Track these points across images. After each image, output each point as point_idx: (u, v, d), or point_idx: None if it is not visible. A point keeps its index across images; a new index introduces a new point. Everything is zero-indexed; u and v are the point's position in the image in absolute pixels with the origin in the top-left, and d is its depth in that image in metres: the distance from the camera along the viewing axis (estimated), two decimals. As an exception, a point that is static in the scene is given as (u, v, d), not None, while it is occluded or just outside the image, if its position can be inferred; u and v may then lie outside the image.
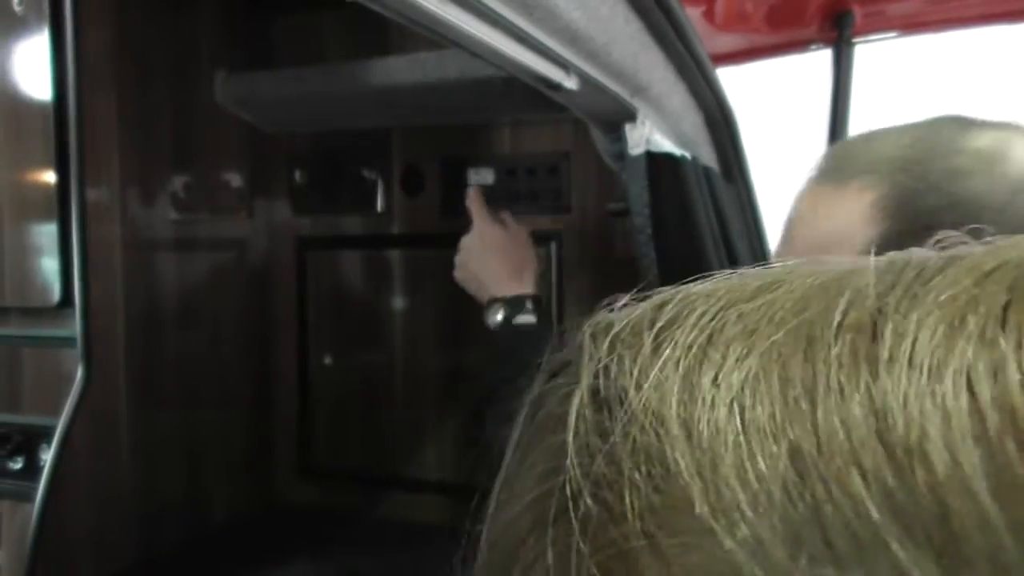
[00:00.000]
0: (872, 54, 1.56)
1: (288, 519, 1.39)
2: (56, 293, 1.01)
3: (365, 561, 1.21)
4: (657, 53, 0.88)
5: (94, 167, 1.05)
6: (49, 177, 1.00)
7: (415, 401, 1.36)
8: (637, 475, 0.16)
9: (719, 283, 0.19)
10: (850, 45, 1.52)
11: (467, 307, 1.32)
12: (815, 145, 1.52)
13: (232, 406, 1.34)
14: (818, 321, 0.16)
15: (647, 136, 0.97)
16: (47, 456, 0.99)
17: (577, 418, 0.18)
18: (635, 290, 0.21)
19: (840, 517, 0.14)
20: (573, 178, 1.24)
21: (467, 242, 1.14)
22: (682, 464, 0.15)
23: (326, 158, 1.37)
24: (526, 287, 1.10)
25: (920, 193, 0.54)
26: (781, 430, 0.15)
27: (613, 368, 0.18)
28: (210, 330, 1.29)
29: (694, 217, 1.02)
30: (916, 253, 0.18)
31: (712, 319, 0.17)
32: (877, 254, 0.53)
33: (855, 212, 0.57)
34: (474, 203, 1.16)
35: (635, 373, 0.17)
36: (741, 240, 1.18)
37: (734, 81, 1.29)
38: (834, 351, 0.15)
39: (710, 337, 0.17)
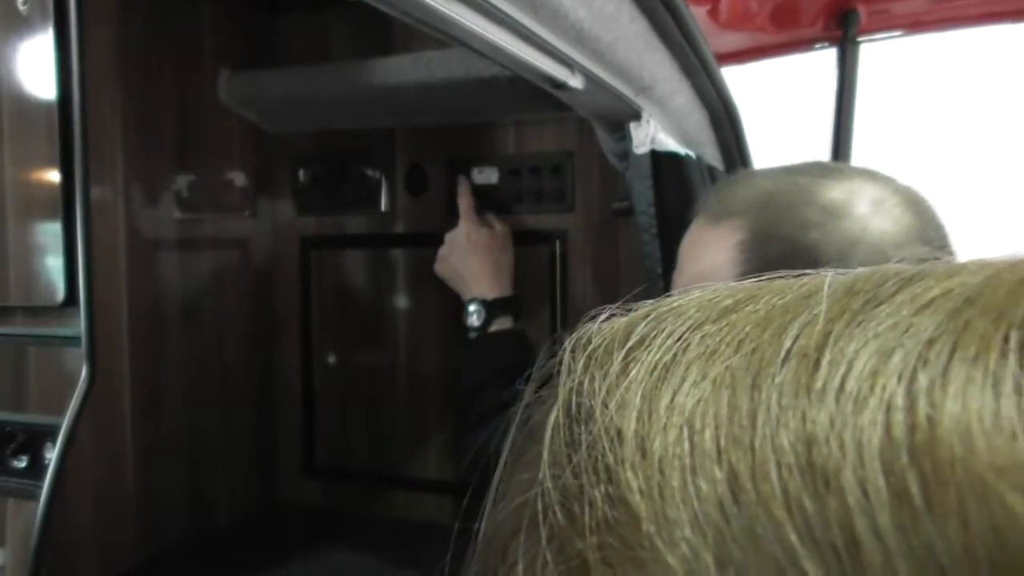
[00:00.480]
0: (877, 53, 1.56)
1: (292, 518, 1.39)
2: (60, 292, 1.00)
3: (369, 561, 1.21)
4: (662, 52, 0.87)
5: (98, 166, 1.05)
6: (53, 176, 1.00)
7: (419, 401, 1.35)
8: (596, 491, 0.17)
9: (692, 300, 0.20)
10: (855, 44, 1.52)
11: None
12: (820, 144, 1.52)
13: (236, 405, 1.34)
14: (769, 347, 0.17)
15: (651, 135, 0.97)
16: (51, 455, 0.99)
17: (552, 432, 0.18)
18: (621, 302, 0.21)
19: (766, 541, 0.14)
20: (577, 177, 1.24)
21: (452, 237, 1.18)
22: (633, 482, 0.16)
23: (330, 157, 1.37)
24: (504, 289, 1.15)
25: (772, 239, 0.59)
26: (723, 454, 0.15)
27: (586, 385, 0.19)
28: (214, 330, 1.29)
29: (698, 216, 1.02)
30: (882, 271, 0.18)
31: (678, 340, 0.18)
32: None
33: (722, 252, 0.62)
34: (463, 199, 1.20)
35: (603, 391, 0.18)
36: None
37: (739, 80, 1.28)
38: (778, 378, 0.16)
39: (673, 358, 0.18)
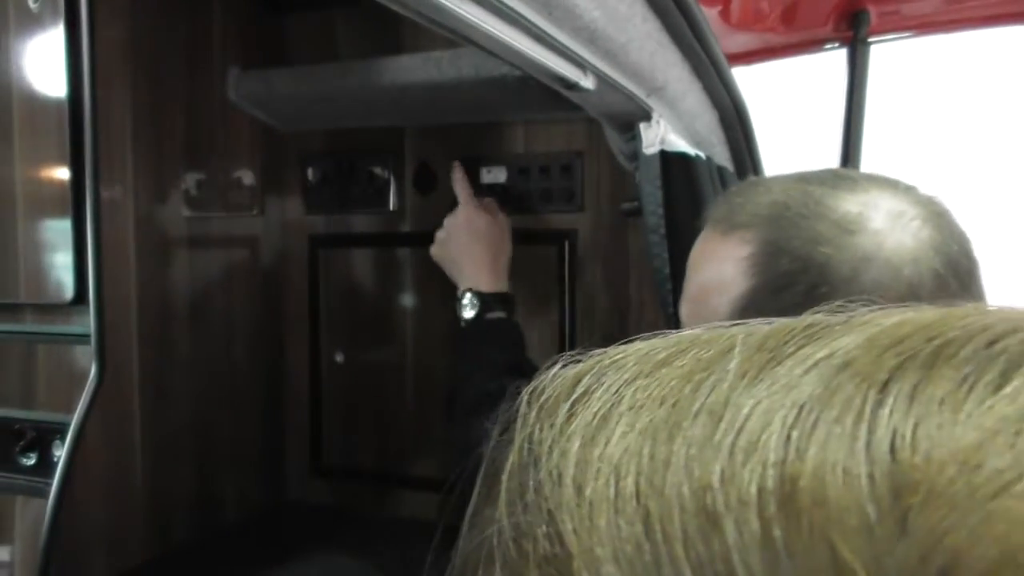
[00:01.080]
0: (887, 54, 1.55)
1: (299, 517, 1.39)
2: (70, 290, 1.01)
3: (377, 560, 1.21)
4: (674, 52, 0.87)
5: (108, 164, 1.06)
6: (63, 174, 1.00)
7: (427, 400, 1.35)
8: (540, 529, 0.19)
9: (632, 353, 0.22)
10: (865, 45, 1.52)
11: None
12: (830, 146, 1.52)
13: (244, 404, 1.34)
14: (686, 401, 0.19)
15: (662, 135, 0.96)
16: (60, 452, 0.99)
17: (509, 475, 0.21)
18: (576, 352, 0.23)
19: (668, 573, 0.16)
20: (586, 177, 1.24)
21: (451, 223, 1.15)
22: (569, 523, 0.18)
23: (339, 156, 1.37)
24: (501, 280, 1.12)
25: (781, 253, 0.57)
26: (641, 498, 0.17)
27: (536, 433, 0.21)
28: (222, 328, 1.29)
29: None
30: (791, 326, 0.21)
31: (614, 393, 0.20)
32: (746, 307, 0.54)
33: (730, 265, 0.60)
34: (459, 184, 1.17)
35: (550, 440, 0.20)
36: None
37: (749, 81, 1.28)
38: (690, 432, 0.18)
39: (609, 410, 0.20)
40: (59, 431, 1.00)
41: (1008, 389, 0.16)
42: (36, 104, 1.03)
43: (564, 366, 0.23)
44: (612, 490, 0.18)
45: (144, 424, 1.13)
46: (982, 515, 0.14)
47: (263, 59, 1.30)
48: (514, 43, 0.62)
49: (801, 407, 0.17)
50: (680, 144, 0.99)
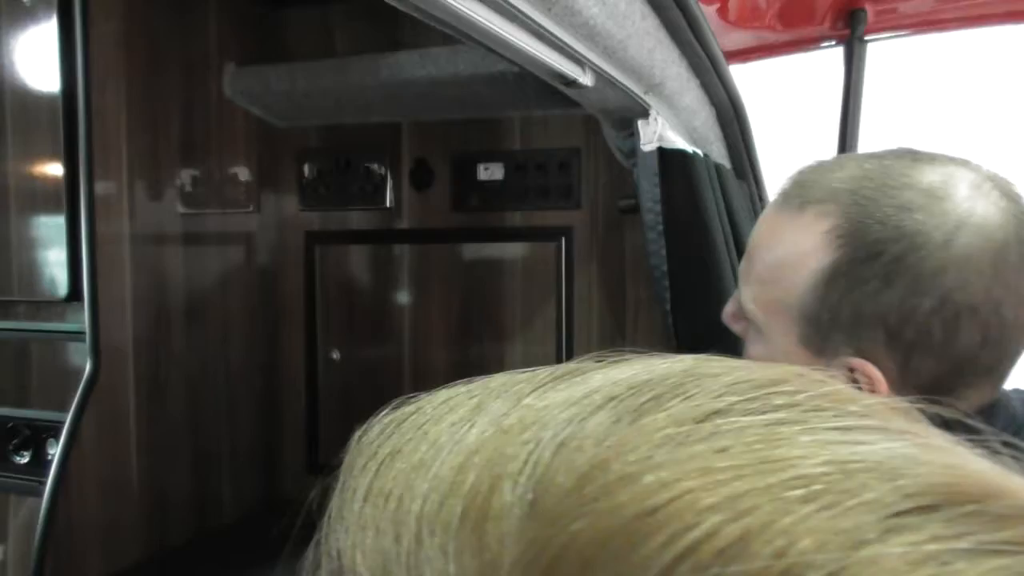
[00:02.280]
0: (884, 52, 1.55)
1: (296, 515, 1.38)
2: (64, 287, 1.00)
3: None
4: (672, 50, 0.87)
5: (102, 161, 1.05)
6: (57, 170, 1.00)
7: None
8: (333, 547, 0.23)
9: (433, 401, 0.26)
10: (862, 43, 1.51)
11: (476, 302, 1.32)
12: (826, 143, 1.52)
13: (240, 401, 1.33)
14: (442, 442, 0.22)
15: (659, 132, 0.96)
16: (54, 451, 0.99)
17: (334, 499, 0.24)
18: (408, 396, 0.27)
19: None
20: (583, 174, 1.24)
21: None
22: (347, 541, 0.22)
23: (335, 152, 1.36)
24: None
25: (870, 225, 0.57)
26: (398, 522, 0.21)
27: (351, 464, 0.25)
28: (218, 325, 1.28)
29: (704, 213, 1.02)
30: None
31: (407, 435, 0.24)
32: (829, 280, 0.55)
33: (810, 239, 0.60)
34: None
35: (353, 471, 0.24)
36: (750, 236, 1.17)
37: (746, 78, 1.28)
38: (435, 471, 0.21)
39: (399, 448, 0.24)
40: (53, 429, 1.00)
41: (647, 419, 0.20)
42: (29, 100, 1.02)
43: (393, 409, 0.27)
44: (380, 513, 0.21)
45: (139, 422, 1.12)
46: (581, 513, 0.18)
47: (259, 55, 1.29)
48: (513, 39, 0.61)
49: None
50: (678, 141, 0.99)
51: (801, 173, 0.66)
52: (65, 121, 0.97)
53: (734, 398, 0.20)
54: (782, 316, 0.62)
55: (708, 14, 1.00)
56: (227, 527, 1.29)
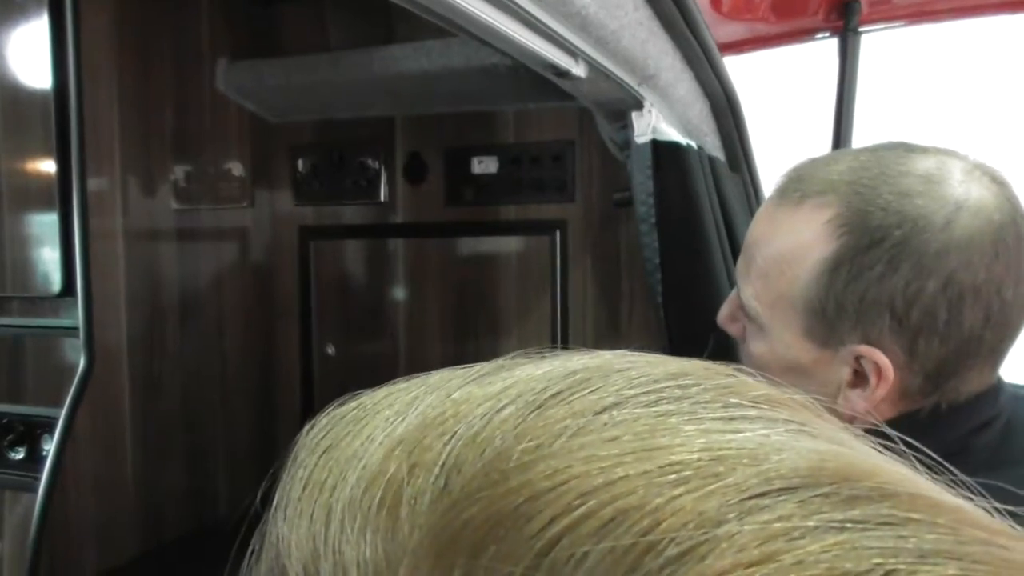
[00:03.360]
0: (878, 43, 1.55)
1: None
2: (57, 282, 1.00)
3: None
4: (665, 41, 0.87)
5: (95, 156, 1.05)
6: (50, 166, 0.99)
7: (418, 391, 1.35)
8: (273, 536, 0.24)
9: (375, 397, 0.27)
10: (856, 34, 1.51)
11: (470, 296, 1.32)
12: (821, 135, 1.52)
13: (235, 396, 1.33)
14: (374, 436, 0.24)
15: (653, 124, 0.96)
16: (49, 447, 0.98)
17: (279, 490, 0.26)
18: (356, 392, 0.28)
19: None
20: (578, 167, 1.24)
21: None
22: (286, 530, 0.23)
23: (329, 147, 1.36)
24: None
25: (872, 212, 0.59)
26: (328, 512, 0.22)
27: (297, 456, 0.26)
28: (212, 320, 1.28)
29: (698, 206, 1.02)
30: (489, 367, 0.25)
31: (346, 430, 0.26)
32: (833, 269, 0.58)
33: (811, 229, 0.61)
34: None
35: (299, 464, 0.26)
36: (744, 229, 1.17)
37: (740, 70, 1.28)
38: (364, 461, 0.23)
39: (336, 442, 0.25)
40: (47, 425, 0.99)
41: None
42: (21, 95, 1.02)
43: (339, 405, 0.28)
44: (313, 501, 0.23)
45: (134, 418, 1.12)
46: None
47: (252, 49, 1.29)
48: (505, 30, 0.61)
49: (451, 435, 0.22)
50: (671, 133, 0.99)
51: (796, 169, 0.67)
52: (57, 117, 0.97)
53: (632, 391, 0.21)
54: (786, 310, 0.63)
55: (702, 5, 1.00)
56: (223, 523, 1.29)
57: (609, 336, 1.25)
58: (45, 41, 0.97)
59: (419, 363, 1.35)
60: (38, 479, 0.97)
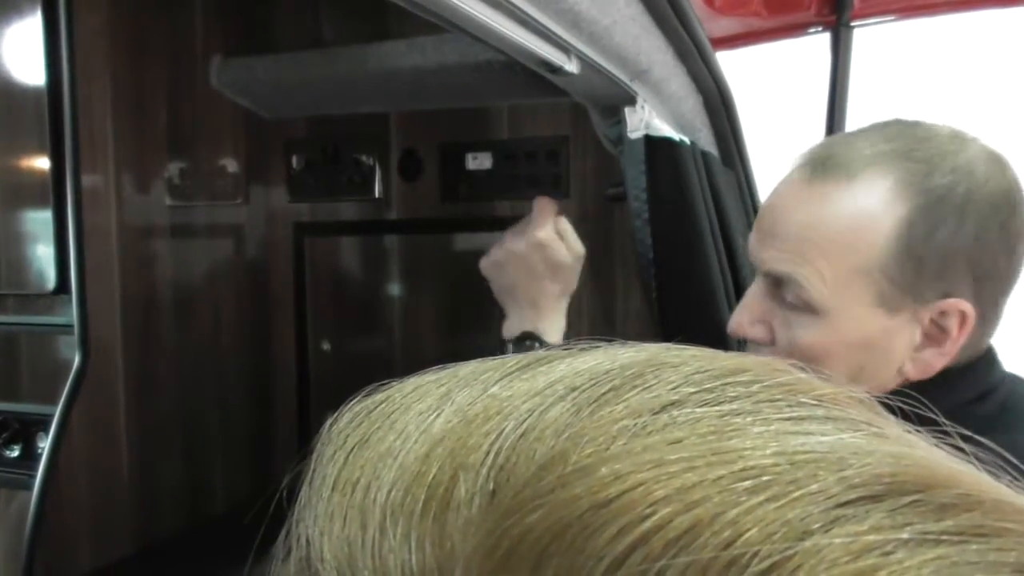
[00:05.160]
0: (870, 38, 1.56)
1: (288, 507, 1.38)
2: (52, 279, 1.00)
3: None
4: (658, 36, 0.87)
5: (89, 153, 1.04)
6: (43, 163, 0.99)
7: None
8: (302, 535, 0.23)
9: (403, 388, 0.26)
10: (848, 29, 1.52)
11: (466, 292, 1.32)
12: (814, 129, 1.52)
13: (231, 393, 1.33)
14: (409, 431, 0.23)
15: (646, 120, 0.96)
16: (44, 444, 0.98)
17: (306, 487, 0.25)
18: (380, 383, 0.27)
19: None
20: (572, 163, 1.24)
21: (520, 246, 0.98)
22: (314, 529, 0.23)
23: (323, 143, 1.36)
24: (563, 324, 1.02)
25: (929, 172, 0.62)
26: (364, 510, 0.21)
27: (322, 452, 0.25)
28: (208, 317, 1.28)
29: (691, 201, 1.02)
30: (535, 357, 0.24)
31: (376, 424, 0.24)
32: (909, 228, 0.61)
33: (876, 197, 0.63)
34: (546, 206, 1.00)
35: (324, 460, 0.24)
36: (738, 224, 1.18)
37: (733, 65, 1.28)
38: (400, 459, 0.22)
39: (366, 437, 0.24)
40: (43, 422, 1.00)
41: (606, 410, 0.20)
42: (15, 92, 1.01)
43: (364, 397, 0.26)
44: (346, 501, 0.22)
45: (129, 415, 1.12)
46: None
47: (246, 46, 1.29)
48: (498, 26, 0.61)
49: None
50: (665, 129, 0.99)
51: (822, 151, 0.68)
52: (51, 113, 0.97)
53: (690, 389, 0.21)
54: (858, 282, 0.64)
55: (694, 1, 1.00)
56: (219, 519, 1.29)
57: (603, 330, 1.25)
58: (39, 38, 0.97)
59: (415, 359, 1.35)
60: (33, 476, 0.97)
